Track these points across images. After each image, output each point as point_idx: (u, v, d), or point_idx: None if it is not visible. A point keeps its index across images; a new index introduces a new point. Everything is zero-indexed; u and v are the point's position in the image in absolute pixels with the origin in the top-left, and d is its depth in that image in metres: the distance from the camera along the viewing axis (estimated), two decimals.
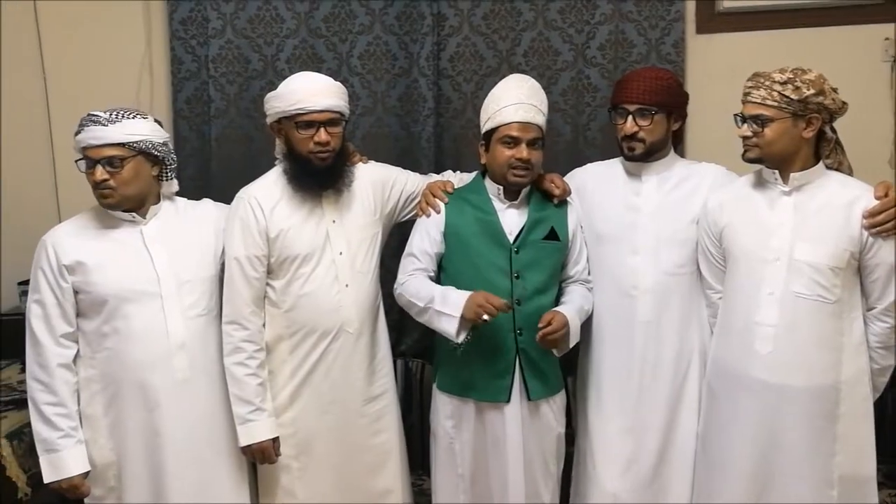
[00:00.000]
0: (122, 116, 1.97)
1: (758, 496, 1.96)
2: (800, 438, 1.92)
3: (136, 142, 1.97)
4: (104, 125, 1.95)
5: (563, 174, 2.31)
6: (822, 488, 1.92)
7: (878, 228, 1.85)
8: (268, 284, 2.12)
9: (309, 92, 2.04)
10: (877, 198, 1.87)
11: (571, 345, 2.12)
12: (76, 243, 2.00)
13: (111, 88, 2.90)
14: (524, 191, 2.18)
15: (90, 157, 1.97)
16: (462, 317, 2.01)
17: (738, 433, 1.98)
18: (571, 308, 2.13)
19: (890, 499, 2.41)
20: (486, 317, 1.99)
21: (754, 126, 1.91)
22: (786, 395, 1.92)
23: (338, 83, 2.12)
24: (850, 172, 1.99)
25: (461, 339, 2.03)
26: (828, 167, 1.97)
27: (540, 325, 2.03)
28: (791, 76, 1.88)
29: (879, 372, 1.95)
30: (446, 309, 2.04)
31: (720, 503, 2.02)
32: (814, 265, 1.89)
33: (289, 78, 2.12)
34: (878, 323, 1.92)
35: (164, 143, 2.05)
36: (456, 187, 2.27)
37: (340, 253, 2.13)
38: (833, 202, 1.91)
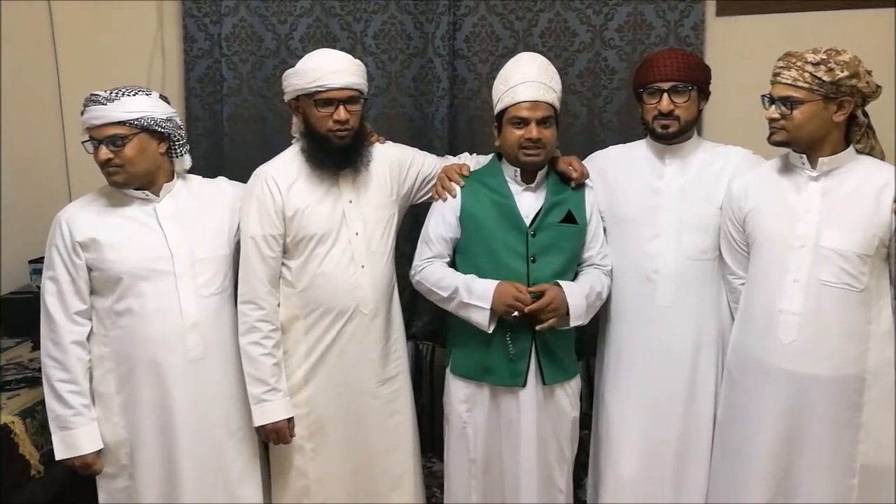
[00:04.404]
0: (122, 94, 1.95)
1: (777, 485, 1.94)
2: (822, 427, 1.90)
3: (136, 119, 1.94)
4: (104, 104, 1.93)
5: (580, 157, 2.28)
6: (842, 477, 1.89)
7: None
8: (283, 264, 2.10)
9: (329, 69, 2.01)
10: None
11: (573, 323, 2.07)
12: (90, 220, 1.99)
13: (123, 67, 2.88)
14: (541, 173, 2.16)
15: (94, 137, 1.95)
16: (491, 309, 2.02)
17: (759, 422, 1.96)
18: (575, 286, 2.10)
19: None
20: (516, 314, 2.00)
21: (783, 108, 1.86)
22: (809, 385, 1.89)
23: (357, 61, 2.09)
24: (882, 157, 1.95)
25: (492, 329, 2.05)
26: (859, 152, 1.93)
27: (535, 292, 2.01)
28: (824, 57, 1.82)
29: None
30: (473, 300, 2.05)
31: (739, 495, 2.00)
32: (841, 252, 1.85)
33: (308, 55, 2.10)
34: None
35: (169, 119, 2.01)
36: (472, 170, 2.25)
37: (357, 233, 2.11)
38: (863, 187, 1.87)
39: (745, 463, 1.99)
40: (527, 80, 2.06)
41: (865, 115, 1.92)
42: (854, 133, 1.92)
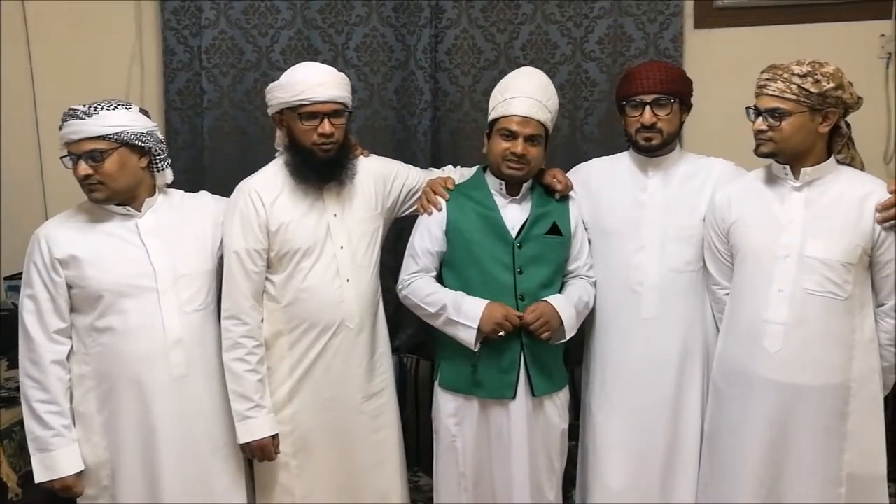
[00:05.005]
0: (100, 108, 1.92)
1: (766, 495, 1.95)
2: (808, 437, 1.91)
3: (115, 133, 1.91)
4: (82, 119, 1.90)
5: (562, 169, 2.28)
6: (830, 487, 1.91)
7: (891, 222, 1.84)
8: (267, 279, 2.08)
9: (313, 82, 2.00)
10: (890, 192, 1.86)
11: (568, 335, 2.10)
12: (70, 237, 1.95)
13: (100, 80, 2.85)
14: (526, 185, 2.17)
15: (73, 153, 1.92)
16: (478, 328, 2.03)
17: (747, 432, 1.96)
18: (564, 298, 2.12)
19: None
20: (502, 333, 2.01)
21: (770, 120, 1.88)
22: (795, 394, 1.90)
23: (342, 74, 2.09)
24: (862, 167, 1.98)
25: (477, 347, 2.06)
26: (840, 162, 1.95)
27: (522, 317, 2.04)
28: (810, 69, 1.84)
29: (889, 369, 1.94)
30: (461, 319, 2.05)
31: (727, 502, 2.01)
32: (825, 261, 1.87)
33: (292, 68, 2.09)
34: (888, 319, 1.90)
35: (149, 133, 1.99)
36: (457, 183, 2.24)
37: (341, 247, 2.09)
38: (845, 197, 1.89)
39: (734, 472, 1.99)
40: (523, 94, 2.07)
41: (847, 125, 1.94)
42: (836, 143, 1.94)
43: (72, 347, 1.97)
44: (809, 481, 1.91)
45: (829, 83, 1.84)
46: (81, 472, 1.96)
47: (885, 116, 2.70)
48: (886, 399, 1.97)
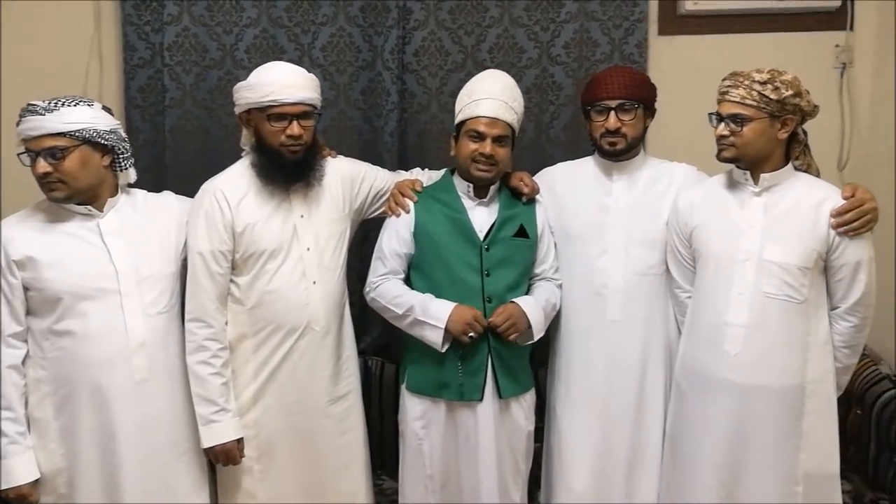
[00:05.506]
0: (61, 104, 1.88)
1: (726, 495, 1.99)
2: (767, 437, 1.95)
3: (77, 130, 1.87)
4: (41, 114, 1.86)
5: (528, 172, 2.30)
6: (788, 485, 1.95)
7: (844, 228, 1.90)
8: (231, 281, 2.05)
9: (283, 84, 1.98)
10: (844, 198, 1.91)
11: (536, 336, 2.12)
12: (27, 237, 1.91)
13: (56, 76, 2.75)
14: (493, 188, 2.18)
15: (31, 149, 1.87)
16: (446, 329, 2.03)
17: (707, 433, 2.00)
18: (531, 299, 2.14)
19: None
20: (472, 334, 2.02)
21: (732, 125, 1.92)
22: (754, 395, 1.95)
23: (311, 75, 2.07)
24: (817, 174, 2.03)
25: (445, 348, 2.06)
26: (797, 168, 2.01)
27: (490, 320, 2.05)
28: (770, 76, 1.90)
29: (842, 370, 2.00)
30: (429, 319, 2.05)
31: (689, 501, 2.05)
32: (783, 265, 1.92)
33: (261, 67, 2.07)
34: (842, 322, 1.96)
35: (112, 131, 1.95)
36: (424, 186, 2.25)
37: (308, 249, 2.08)
38: (801, 203, 1.95)
39: (695, 472, 2.03)
40: (490, 96, 2.09)
41: (804, 132, 2.00)
42: (793, 150, 2.00)
43: (27, 351, 1.92)
44: (768, 480, 1.96)
45: (787, 90, 1.89)
46: (37, 480, 1.91)
47: (839, 125, 2.79)
48: (838, 400, 2.02)
